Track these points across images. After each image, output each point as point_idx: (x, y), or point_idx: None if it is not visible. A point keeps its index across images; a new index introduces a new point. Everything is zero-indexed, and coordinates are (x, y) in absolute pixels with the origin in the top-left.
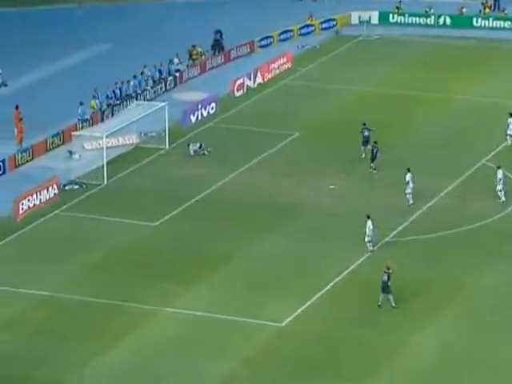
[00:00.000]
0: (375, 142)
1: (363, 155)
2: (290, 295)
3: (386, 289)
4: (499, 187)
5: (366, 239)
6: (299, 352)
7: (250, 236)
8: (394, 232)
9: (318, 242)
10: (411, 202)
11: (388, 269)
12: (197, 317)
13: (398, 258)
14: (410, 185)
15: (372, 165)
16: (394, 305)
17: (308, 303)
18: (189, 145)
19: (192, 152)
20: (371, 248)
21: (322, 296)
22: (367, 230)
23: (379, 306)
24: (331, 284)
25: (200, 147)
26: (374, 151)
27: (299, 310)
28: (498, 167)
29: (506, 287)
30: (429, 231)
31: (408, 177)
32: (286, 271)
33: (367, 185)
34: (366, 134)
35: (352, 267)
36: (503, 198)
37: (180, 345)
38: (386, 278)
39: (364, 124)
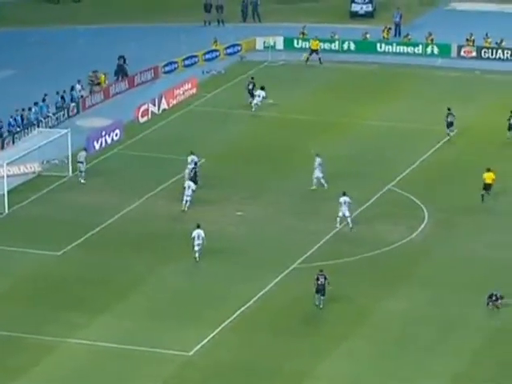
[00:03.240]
0: (195, 164)
1: None
2: (197, 324)
3: (321, 291)
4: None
5: (196, 248)
6: (207, 382)
7: (156, 264)
8: (302, 258)
9: (226, 270)
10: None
11: (321, 271)
12: (102, 348)
13: (306, 284)
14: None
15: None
16: (321, 307)
17: (216, 331)
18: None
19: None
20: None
21: (230, 324)
22: (195, 239)
23: (317, 306)
24: (239, 311)
25: None
26: (193, 171)
27: (207, 339)
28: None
29: (412, 313)
30: (336, 256)
31: (187, 184)
32: (194, 300)
33: (274, 211)
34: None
35: (260, 294)
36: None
37: (84, 377)
38: (322, 280)
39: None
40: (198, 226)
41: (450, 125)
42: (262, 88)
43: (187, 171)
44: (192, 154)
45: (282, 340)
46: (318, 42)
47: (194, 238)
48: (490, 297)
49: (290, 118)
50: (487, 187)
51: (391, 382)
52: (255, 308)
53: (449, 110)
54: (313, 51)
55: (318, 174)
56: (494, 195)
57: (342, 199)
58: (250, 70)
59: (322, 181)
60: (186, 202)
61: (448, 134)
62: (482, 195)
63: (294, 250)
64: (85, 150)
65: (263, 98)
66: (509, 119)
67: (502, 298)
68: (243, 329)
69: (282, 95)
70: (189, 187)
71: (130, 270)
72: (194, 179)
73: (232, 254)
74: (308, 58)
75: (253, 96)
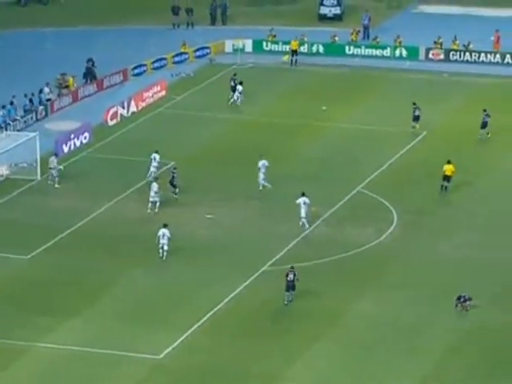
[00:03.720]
0: (175, 168)
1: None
2: (168, 327)
3: (291, 287)
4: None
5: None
6: None
7: (126, 267)
8: (271, 260)
9: (196, 272)
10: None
11: (292, 267)
12: (72, 351)
13: (275, 286)
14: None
15: (175, 190)
16: (290, 300)
17: (186, 334)
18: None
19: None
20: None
21: (200, 327)
22: (160, 238)
23: (286, 304)
24: (210, 314)
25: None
26: (172, 176)
27: (177, 342)
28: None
29: (382, 315)
30: (306, 259)
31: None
32: (164, 302)
33: (245, 214)
34: None
35: (230, 296)
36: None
37: (54, 381)
38: (291, 276)
39: None
40: (165, 226)
41: (416, 118)
42: (241, 83)
43: (152, 169)
44: (156, 152)
45: (252, 342)
46: (298, 42)
47: (159, 237)
48: (459, 298)
49: (260, 121)
50: (446, 178)
51: (361, 383)
52: (225, 311)
53: (414, 104)
54: (293, 52)
55: (260, 175)
56: (464, 195)
57: (301, 200)
58: (220, 72)
59: (263, 182)
60: (154, 203)
61: (413, 127)
62: (441, 185)
63: (264, 253)
64: (55, 155)
65: (240, 93)
66: (483, 117)
67: (470, 299)
68: (213, 331)
69: (252, 98)
70: (152, 188)
71: (100, 273)
72: (172, 183)
73: (202, 256)
74: (292, 60)
75: (234, 92)
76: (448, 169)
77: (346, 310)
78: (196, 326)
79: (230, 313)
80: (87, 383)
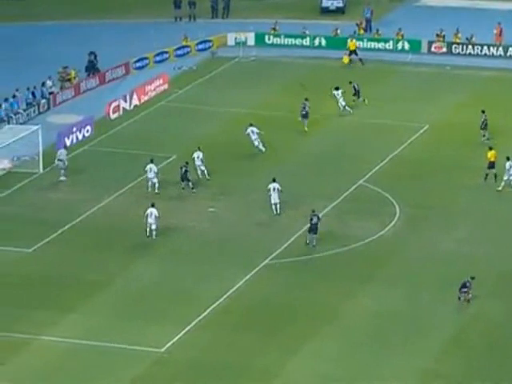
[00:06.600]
0: (187, 163)
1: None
2: (169, 321)
3: (314, 230)
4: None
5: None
6: (178, 378)
7: (127, 261)
8: (273, 254)
9: (197, 267)
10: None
11: (314, 211)
12: (74, 344)
13: (276, 281)
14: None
15: (189, 184)
16: (314, 244)
17: (187, 328)
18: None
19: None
20: None
21: (201, 321)
22: (148, 217)
23: (307, 244)
24: (210, 309)
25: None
26: (183, 170)
27: (178, 336)
28: (508, 158)
29: (381, 310)
30: (307, 252)
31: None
32: (165, 296)
33: (245, 208)
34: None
35: (231, 291)
36: None
37: (57, 373)
38: (316, 220)
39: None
40: (152, 205)
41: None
42: (337, 88)
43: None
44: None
45: (252, 338)
46: (355, 42)
47: (146, 216)
48: (464, 285)
49: (261, 115)
50: (491, 165)
51: (360, 379)
52: (226, 305)
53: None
54: (351, 52)
55: (199, 164)
56: (466, 190)
57: (271, 186)
58: (222, 65)
59: (201, 173)
60: (153, 184)
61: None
62: (486, 174)
63: (265, 247)
64: (65, 147)
65: (338, 95)
66: (481, 118)
67: (473, 278)
68: (214, 326)
69: (254, 91)
70: (150, 170)
71: (101, 267)
72: (186, 178)
73: (203, 250)
74: (351, 60)
75: (306, 117)
76: (492, 155)
77: (346, 305)
78: (197, 320)
79: (231, 308)
80: (89, 376)
